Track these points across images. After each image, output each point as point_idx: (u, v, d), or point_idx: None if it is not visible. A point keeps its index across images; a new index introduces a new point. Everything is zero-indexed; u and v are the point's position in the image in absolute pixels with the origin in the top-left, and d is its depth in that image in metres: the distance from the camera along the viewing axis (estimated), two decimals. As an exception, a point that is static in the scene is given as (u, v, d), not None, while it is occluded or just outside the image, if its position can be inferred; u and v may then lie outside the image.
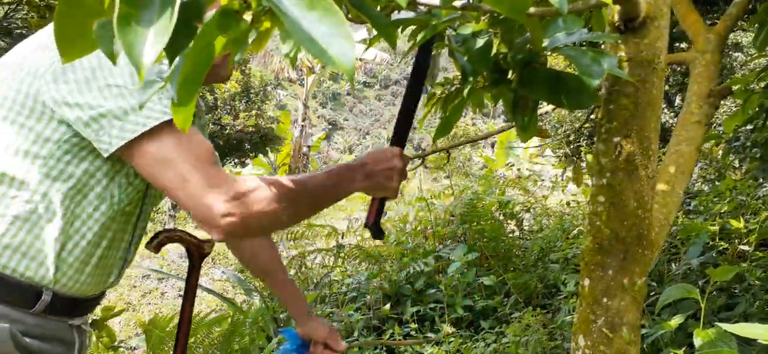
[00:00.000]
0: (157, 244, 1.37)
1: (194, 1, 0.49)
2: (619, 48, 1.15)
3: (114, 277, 1.19)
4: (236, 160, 10.52)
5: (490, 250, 3.36)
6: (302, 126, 10.67)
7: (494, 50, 1.03)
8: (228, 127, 9.54)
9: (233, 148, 9.95)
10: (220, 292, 3.83)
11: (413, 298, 3.16)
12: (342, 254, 3.57)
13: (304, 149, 11.67)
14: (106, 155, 0.98)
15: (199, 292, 4.79)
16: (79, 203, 1.04)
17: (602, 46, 1.16)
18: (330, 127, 37.06)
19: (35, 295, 1.03)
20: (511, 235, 3.73)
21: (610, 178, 1.17)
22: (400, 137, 1.26)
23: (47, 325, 1.07)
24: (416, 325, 2.87)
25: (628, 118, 1.14)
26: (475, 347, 2.61)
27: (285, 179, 1.07)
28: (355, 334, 2.76)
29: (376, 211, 1.26)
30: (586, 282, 1.25)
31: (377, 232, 1.27)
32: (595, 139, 1.24)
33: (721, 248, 2.46)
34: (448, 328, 2.83)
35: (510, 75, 1.05)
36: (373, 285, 3.19)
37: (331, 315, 2.88)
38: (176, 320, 1.42)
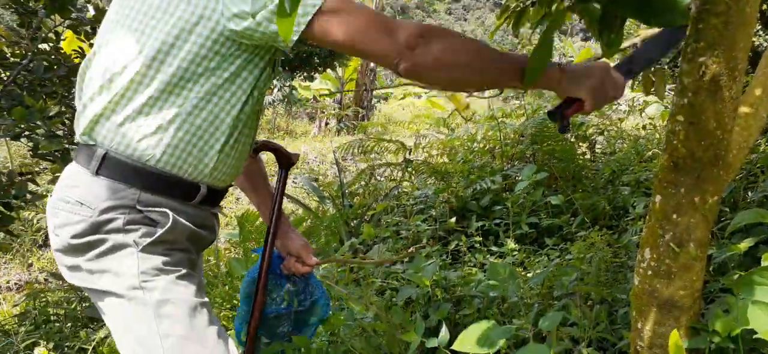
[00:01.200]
0: (255, 149, 1.52)
1: None
2: (713, -35, 1.14)
3: (242, 166, 1.34)
4: (305, 74, 10.70)
5: (559, 171, 3.38)
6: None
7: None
8: (298, 41, 9.61)
9: (303, 61, 10.08)
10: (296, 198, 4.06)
11: (479, 213, 3.25)
12: (410, 169, 3.68)
13: (371, 64, 11.69)
14: (292, 43, 1.10)
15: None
16: (234, 105, 1.18)
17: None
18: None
19: (195, 189, 1.20)
20: (582, 156, 3.71)
21: (692, 98, 1.18)
22: (630, 72, 1.27)
23: (201, 214, 1.26)
24: (480, 239, 2.97)
25: (716, 37, 1.14)
26: (538, 261, 2.69)
27: (469, 38, 1.13)
28: (423, 241, 2.90)
29: (569, 107, 1.25)
30: (658, 198, 1.29)
31: (564, 127, 1.27)
32: (679, 60, 1.25)
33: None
34: (512, 243, 2.92)
35: (598, -9, 1.07)
36: (440, 199, 3.30)
37: (398, 224, 3.03)
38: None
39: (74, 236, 1.12)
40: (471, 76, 1.15)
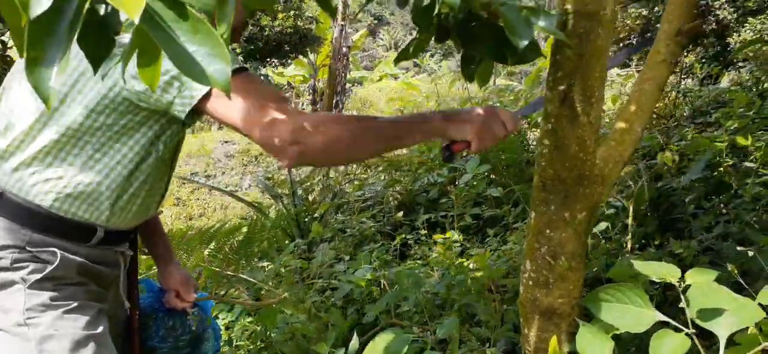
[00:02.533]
0: None
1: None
2: (566, 1, 1.20)
3: (153, 210, 1.40)
4: (277, 62, 10.67)
5: (505, 162, 3.47)
6: (341, 25, 10.60)
7: (436, 9, 1.11)
8: (267, 29, 9.62)
9: (273, 50, 10.06)
10: (248, 199, 4.11)
11: (426, 206, 3.34)
12: (364, 163, 3.75)
13: (344, 49, 11.68)
14: (183, 115, 1.14)
15: (227, 199, 5.08)
16: (131, 160, 1.23)
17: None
18: (375, 22, 36.34)
19: (91, 231, 1.25)
20: (527, 146, 3.80)
21: (555, 123, 1.26)
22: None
23: (100, 252, 1.30)
24: (426, 231, 3.06)
25: (572, 68, 1.21)
26: (479, 248, 2.79)
27: (352, 116, 1.18)
28: (368, 238, 2.99)
29: (457, 144, 1.29)
30: (533, 215, 1.37)
31: (448, 157, 1.30)
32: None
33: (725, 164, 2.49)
34: (455, 235, 3.01)
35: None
36: (389, 194, 3.37)
37: (344, 221, 3.11)
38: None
39: None
40: (361, 153, 1.22)
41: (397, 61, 1.24)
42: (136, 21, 0.52)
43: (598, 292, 1.12)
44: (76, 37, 0.55)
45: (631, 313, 1.06)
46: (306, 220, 3.45)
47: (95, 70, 0.65)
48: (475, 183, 3.27)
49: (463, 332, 1.80)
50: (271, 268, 2.81)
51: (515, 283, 2.12)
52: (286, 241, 3.21)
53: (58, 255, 1.19)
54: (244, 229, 2.87)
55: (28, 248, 1.18)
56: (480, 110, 1.27)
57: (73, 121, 1.16)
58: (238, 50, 9.36)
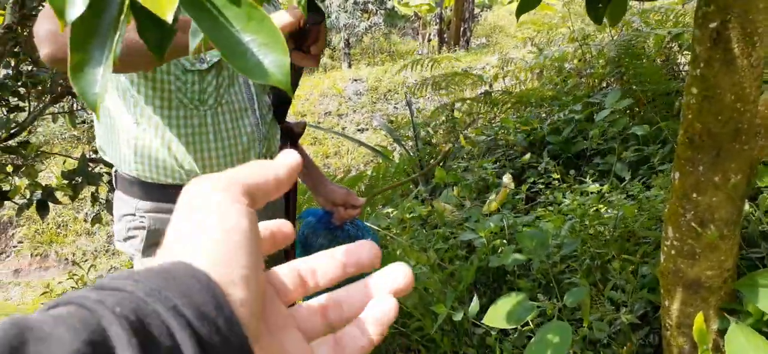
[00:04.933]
0: None
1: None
2: None
3: (249, 152, 1.39)
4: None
5: (647, 94, 3.09)
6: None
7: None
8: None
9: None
10: (372, 144, 4.12)
11: (558, 146, 3.10)
12: (489, 101, 3.56)
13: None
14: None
15: (350, 144, 5.16)
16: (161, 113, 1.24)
17: None
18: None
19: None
20: (677, 74, 3.35)
21: (705, 68, 1.05)
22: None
23: None
24: (558, 175, 2.86)
25: (728, 0, 0.98)
26: (619, 197, 2.55)
27: None
28: (488, 185, 2.86)
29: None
30: (677, 175, 1.18)
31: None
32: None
33: None
34: (590, 179, 2.78)
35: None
36: (513, 134, 3.18)
37: (467, 167, 2.99)
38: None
39: None
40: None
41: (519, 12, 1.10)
42: (169, 21, 0.46)
43: (757, 275, 0.93)
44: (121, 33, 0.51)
45: (802, 304, 0.87)
46: (431, 160, 3.39)
47: (160, 60, 0.61)
48: (615, 119, 2.96)
49: (594, 294, 1.66)
50: (395, 215, 2.80)
51: (659, 236, 1.89)
52: (410, 186, 3.19)
53: (164, 220, 1.26)
54: (368, 175, 2.88)
55: (138, 215, 1.26)
56: None
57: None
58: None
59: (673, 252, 1.24)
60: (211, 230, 0.29)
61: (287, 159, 0.35)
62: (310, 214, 1.72)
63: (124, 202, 1.30)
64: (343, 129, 9.32)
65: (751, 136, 1.08)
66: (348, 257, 0.38)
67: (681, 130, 1.13)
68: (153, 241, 1.30)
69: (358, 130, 8.86)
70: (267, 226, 0.37)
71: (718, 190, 1.11)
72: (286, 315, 0.36)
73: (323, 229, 1.69)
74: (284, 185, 0.34)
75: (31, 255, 8.83)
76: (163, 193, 1.29)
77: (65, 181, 3.11)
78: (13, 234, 9.01)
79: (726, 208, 1.13)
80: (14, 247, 9.15)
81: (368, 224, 1.75)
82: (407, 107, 4.52)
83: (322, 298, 0.37)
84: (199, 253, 0.28)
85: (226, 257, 0.28)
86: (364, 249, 0.38)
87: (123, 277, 0.25)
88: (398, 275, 0.36)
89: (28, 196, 3.05)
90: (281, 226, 0.38)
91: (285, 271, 0.37)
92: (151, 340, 0.23)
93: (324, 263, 0.38)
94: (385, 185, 2.77)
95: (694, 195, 1.15)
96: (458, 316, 1.56)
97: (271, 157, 1.43)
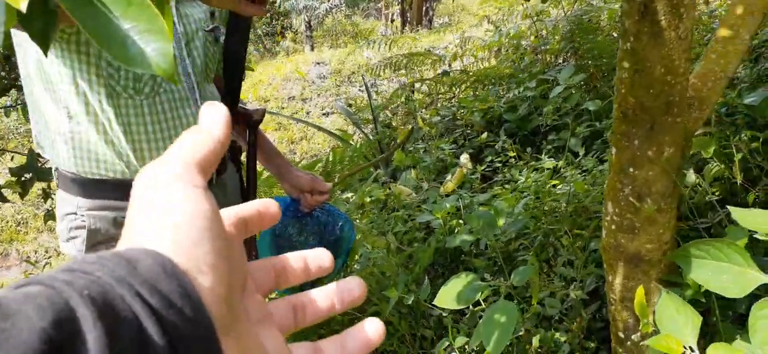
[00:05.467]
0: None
1: None
2: None
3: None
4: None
5: (601, 69, 3.12)
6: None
7: None
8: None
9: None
10: (335, 129, 4.08)
11: (514, 124, 3.11)
12: (448, 81, 3.55)
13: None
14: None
15: (309, 130, 5.08)
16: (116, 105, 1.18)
17: None
18: None
19: (128, 186, 1.25)
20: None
21: (634, 42, 1.04)
22: None
23: None
24: (514, 153, 2.87)
25: (654, -29, 0.98)
26: (573, 173, 2.58)
27: None
28: (451, 166, 2.85)
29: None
30: (613, 151, 1.18)
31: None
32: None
33: None
34: (546, 155, 2.80)
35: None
36: (470, 113, 3.18)
37: (425, 150, 2.98)
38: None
39: None
40: None
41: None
42: (23, 9, 0.42)
43: (690, 246, 0.93)
44: None
45: (729, 274, 0.87)
46: (389, 146, 3.37)
47: (45, 52, 0.57)
48: (569, 95, 2.99)
49: (546, 271, 1.67)
50: (354, 200, 2.78)
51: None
52: (371, 170, 3.16)
53: (104, 218, 1.21)
54: (323, 160, 2.84)
55: (79, 214, 1.21)
56: None
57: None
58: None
59: (613, 227, 1.24)
60: (174, 216, 0.28)
61: (214, 115, 0.34)
62: (281, 204, 1.67)
63: (65, 201, 1.24)
64: (308, 113, 9.21)
65: (683, 108, 1.08)
66: (312, 263, 0.40)
67: (615, 104, 1.13)
68: (94, 241, 1.25)
69: (323, 114, 8.78)
70: (253, 206, 0.36)
71: (653, 163, 1.12)
72: (264, 307, 0.36)
73: (291, 217, 1.65)
74: (225, 143, 0.33)
75: (-2, 255, 8.59)
76: (103, 189, 1.24)
77: (14, 178, 3.00)
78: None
79: (662, 181, 1.13)
80: (-31, 249, 8.92)
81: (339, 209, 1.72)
82: (347, 99, 4.51)
83: (293, 296, 0.38)
84: (164, 240, 0.27)
85: (191, 243, 0.27)
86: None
87: (91, 261, 0.25)
88: (353, 287, 0.38)
89: (-31, 197, 2.93)
90: (268, 205, 0.37)
91: (259, 265, 0.38)
92: (118, 323, 0.23)
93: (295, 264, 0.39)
94: (343, 169, 2.74)
95: (631, 169, 1.15)
96: (410, 300, 1.55)
97: None
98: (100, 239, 1.25)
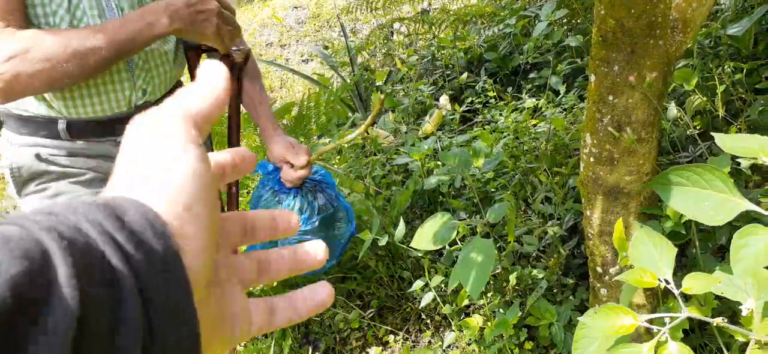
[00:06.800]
0: (193, 52, 1.42)
1: None
2: None
3: (131, 101, 1.27)
4: None
5: (583, 4, 3.03)
6: None
7: None
8: None
9: None
10: (307, 74, 3.96)
11: (495, 63, 3.03)
12: (427, 20, 3.44)
13: None
14: None
15: (286, 74, 4.93)
16: None
17: None
18: None
19: (53, 123, 1.18)
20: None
21: (615, -43, 0.96)
22: None
23: (77, 147, 1.22)
24: (494, 94, 2.80)
25: None
26: (554, 111, 2.53)
27: (73, 33, 1.02)
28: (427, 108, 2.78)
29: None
30: (592, 78, 1.12)
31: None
32: None
33: None
34: (526, 94, 2.74)
35: None
36: (450, 53, 3.09)
37: (403, 92, 2.90)
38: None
39: None
40: (74, 79, 1.04)
41: None
42: None
43: (670, 172, 0.89)
44: None
45: (710, 201, 0.83)
46: (367, 90, 3.28)
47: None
48: (551, 32, 2.90)
49: (524, 209, 1.63)
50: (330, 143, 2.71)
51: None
52: (348, 115, 3.08)
53: (29, 154, 1.17)
54: (295, 104, 2.74)
55: (10, 147, 1.19)
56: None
57: None
58: None
59: (591, 159, 1.19)
60: (172, 174, 0.28)
61: (214, 74, 0.33)
62: (262, 171, 1.48)
63: (3, 140, 1.18)
64: (287, 61, 9.00)
65: (666, 31, 1.02)
66: (280, 222, 0.40)
67: (594, 28, 1.06)
68: (25, 179, 1.20)
69: (303, 61, 8.57)
70: (230, 154, 0.36)
71: (634, 90, 1.06)
72: (232, 262, 0.36)
73: (269, 190, 1.47)
74: (225, 101, 0.33)
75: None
76: (27, 125, 1.17)
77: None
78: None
79: (642, 109, 1.08)
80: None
81: (333, 183, 1.53)
82: (322, 42, 4.35)
83: (260, 252, 0.39)
84: (159, 196, 0.27)
85: (184, 204, 0.27)
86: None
87: (62, 205, 0.25)
88: (318, 250, 0.38)
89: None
90: (244, 155, 0.37)
91: (229, 218, 0.38)
92: (89, 260, 0.23)
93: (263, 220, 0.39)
94: (319, 114, 2.66)
95: (610, 97, 1.09)
96: (384, 241, 1.51)
97: (154, 96, 1.28)
98: (26, 176, 1.20)
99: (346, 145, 2.72)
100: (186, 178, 0.28)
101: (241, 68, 1.46)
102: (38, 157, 1.18)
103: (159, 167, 0.28)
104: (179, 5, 1.08)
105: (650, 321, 0.79)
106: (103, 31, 1.04)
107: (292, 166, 1.38)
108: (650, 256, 0.82)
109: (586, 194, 1.25)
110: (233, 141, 1.47)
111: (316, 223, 1.42)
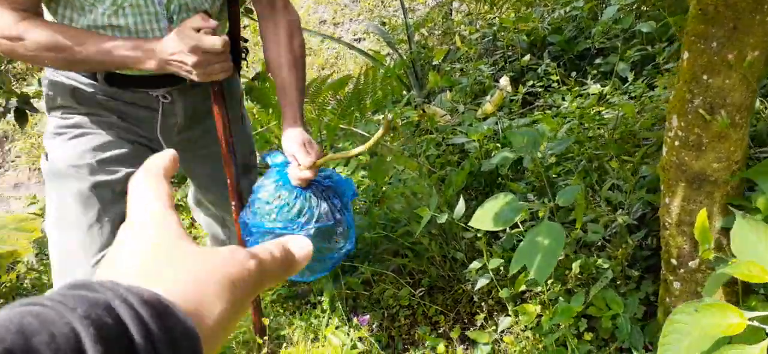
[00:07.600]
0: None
1: None
2: None
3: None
4: None
5: (657, -12, 2.87)
6: None
7: None
8: None
9: None
10: (364, 50, 3.93)
11: (560, 47, 2.92)
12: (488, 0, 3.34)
13: None
14: None
15: (341, 48, 4.91)
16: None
17: None
18: None
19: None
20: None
21: None
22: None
23: (111, 90, 1.31)
24: (558, 78, 2.70)
25: None
26: (621, 98, 2.42)
27: (72, 37, 1.15)
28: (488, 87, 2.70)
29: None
30: (686, 55, 1.05)
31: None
32: None
33: None
34: (592, 80, 2.63)
35: None
36: (512, 34, 2.99)
37: (462, 71, 2.83)
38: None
39: None
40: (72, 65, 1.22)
41: None
42: None
43: (772, 161, 0.81)
44: None
45: (822, 192, 0.75)
46: (424, 68, 3.22)
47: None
48: (621, 17, 2.77)
49: (591, 196, 1.56)
50: (382, 121, 2.68)
51: (661, 136, 1.77)
52: (403, 92, 3.03)
53: (65, 86, 1.29)
54: (352, 78, 2.72)
55: (50, 81, 1.32)
56: (172, 42, 1.18)
57: None
58: None
59: (677, 143, 1.12)
60: (189, 272, 0.32)
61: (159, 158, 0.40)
62: (267, 157, 1.35)
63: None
64: (340, 39, 8.99)
65: (776, 4, 0.93)
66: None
67: (693, 2, 0.98)
68: (56, 105, 1.33)
69: (355, 39, 8.54)
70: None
71: (732, 69, 0.98)
72: None
73: (274, 181, 1.32)
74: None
75: (30, 169, 8.82)
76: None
77: (41, 88, 2.98)
78: (9, 148, 8.95)
79: (739, 91, 1.00)
80: (12, 161, 9.13)
81: (348, 194, 1.37)
82: (379, 19, 4.26)
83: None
84: (177, 286, 0.31)
85: (202, 294, 0.32)
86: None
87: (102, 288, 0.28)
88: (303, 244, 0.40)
89: (3, 105, 2.93)
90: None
91: None
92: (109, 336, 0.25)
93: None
94: (375, 90, 2.62)
95: (705, 77, 1.01)
96: (443, 218, 1.47)
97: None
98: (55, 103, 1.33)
99: (398, 121, 2.68)
100: (204, 274, 0.32)
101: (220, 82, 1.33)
102: (73, 92, 1.30)
103: (180, 267, 0.32)
104: (166, 56, 1.17)
105: (761, 320, 0.72)
106: (97, 44, 1.16)
107: (300, 164, 1.27)
108: (755, 249, 0.76)
109: (666, 180, 1.18)
110: (225, 137, 1.37)
111: (312, 231, 1.28)
